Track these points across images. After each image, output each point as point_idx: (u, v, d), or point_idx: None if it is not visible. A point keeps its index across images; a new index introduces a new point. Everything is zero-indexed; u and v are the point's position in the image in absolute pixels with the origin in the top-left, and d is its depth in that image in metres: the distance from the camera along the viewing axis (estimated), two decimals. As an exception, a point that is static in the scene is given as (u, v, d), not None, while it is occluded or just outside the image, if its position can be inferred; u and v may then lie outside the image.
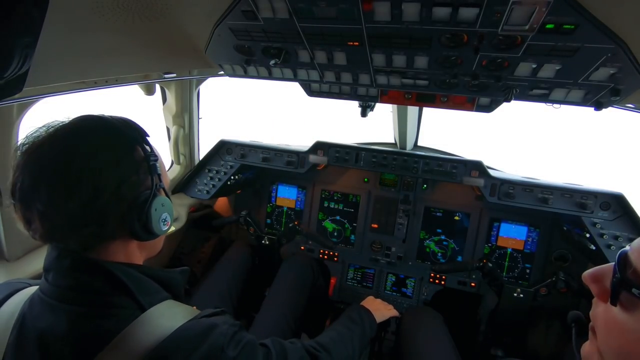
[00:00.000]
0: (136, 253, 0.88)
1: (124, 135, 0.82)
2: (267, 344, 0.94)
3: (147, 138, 0.87)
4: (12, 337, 0.78)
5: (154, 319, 0.76)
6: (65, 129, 0.77)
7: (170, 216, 0.90)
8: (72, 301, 0.76)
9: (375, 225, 2.33)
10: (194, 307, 0.88)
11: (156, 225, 0.83)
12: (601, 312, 0.50)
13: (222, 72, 1.44)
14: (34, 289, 0.85)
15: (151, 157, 0.84)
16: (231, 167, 2.26)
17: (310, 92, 1.53)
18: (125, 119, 0.87)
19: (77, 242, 0.77)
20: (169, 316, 0.78)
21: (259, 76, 1.37)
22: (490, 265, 1.78)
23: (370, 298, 1.84)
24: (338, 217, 2.42)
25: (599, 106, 1.09)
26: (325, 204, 2.43)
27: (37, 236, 0.75)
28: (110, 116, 0.85)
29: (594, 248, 1.71)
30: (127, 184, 0.78)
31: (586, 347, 0.55)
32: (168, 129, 2.30)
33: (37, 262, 1.48)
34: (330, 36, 1.02)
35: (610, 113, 1.23)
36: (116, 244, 0.82)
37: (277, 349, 0.94)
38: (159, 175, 0.86)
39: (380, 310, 1.72)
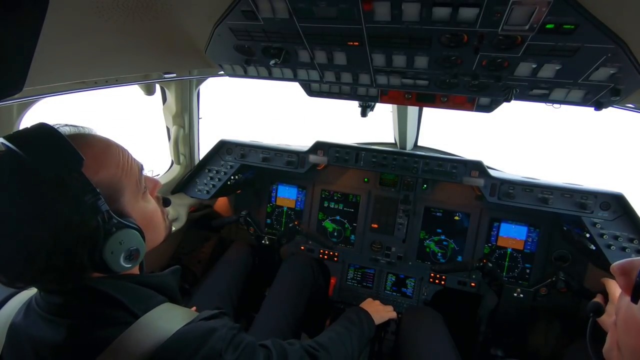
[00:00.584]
0: None
1: (45, 173, 0.64)
2: (267, 344, 0.94)
3: (84, 161, 0.67)
4: (8, 342, 0.78)
5: (151, 322, 0.75)
6: None
7: (140, 248, 0.77)
8: (64, 315, 0.75)
9: (375, 225, 2.33)
10: (194, 308, 0.88)
11: (118, 266, 0.73)
12: (624, 306, 0.48)
13: (222, 72, 1.44)
14: (32, 291, 0.84)
15: (87, 197, 0.67)
16: (231, 167, 2.26)
17: (310, 92, 1.53)
18: (48, 142, 0.67)
19: (44, 287, 0.74)
20: (167, 319, 0.77)
21: (259, 76, 1.37)
22: (490, 265, 1.78)
23: (369, 300, 1.84)
24: (338, 217, 2.42)
25: (599, 106, 1.09)
26: (325, 204, 2.43)
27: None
28: (30, 140, 0.67)
29: (594, 248, 1.71)
30: (68, 230, 0.66)
31: (608, 340, 0.53)
32: (168, 129, 2.30)
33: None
34: (330, 36, 1.02)
35: (610, 113, 1.23)
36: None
37: (277, 349, 0.94)
38: (106, 211, 0.71)
39: (379, 312, 1.73)
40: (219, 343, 0.77)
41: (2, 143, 0.66)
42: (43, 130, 0.70)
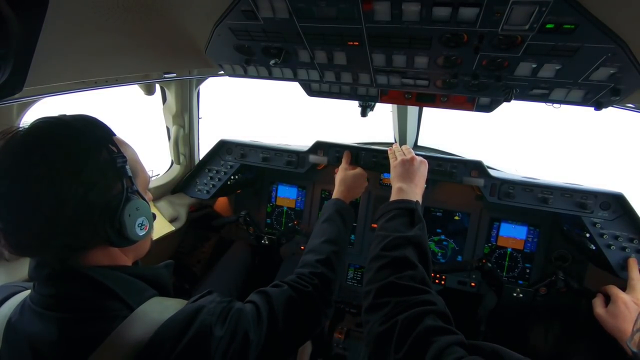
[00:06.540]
0: (121, 256, 0.86)
1: (85, 137, 0.75)
2: (253, 299, 0.93)
3: (114, 137, 0.81)
4: (5, 341, 0.78)
5: (145, 314, 0.76)
6: (17, 138, 0.71)
7: (149, 220, 0.85)
8: (57, 309, 0.75)
9: (375, 225, 2.32)
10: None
11: (132, 231, 0.79)
12: None
13: (222, 72, 1.44)
14: (28, 292, 0.84)
15: (118, 160, 0.78)
16: (231, 167, 2.26)
17: (310, 92, 1.53)
18: (87, 117, 0.80)
19: (50, 254, 0.75)
20: (160, 310, 0.78)
21: (259, 76, 1.37)
22: (489, 265, 1.78)
23: (341, 175, 1.67)
24: (338, 217, 2.42)
25: (599, 106, 1.09)
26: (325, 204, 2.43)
27: (7, 251, 0.72)
28: (71, 116, 0.78)
29: (594, 248, 1.71)
30: (94, 191, 0.73)
31: None
32: (168, 129, 2.30)
33: (37, 262, 1.48)
34: (330, 36, 1.02)
35: (610, 113, 1.23)
36: (96, 250, 0.79)
37: (263, 299, 0.93)
38: (130, 177, 0.80)
39: (354, 188, 1.60)
40: (208, 317, 0.77)
41: (44, 121, 0.75)
42: (78, 114, 0.81)
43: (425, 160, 1.47)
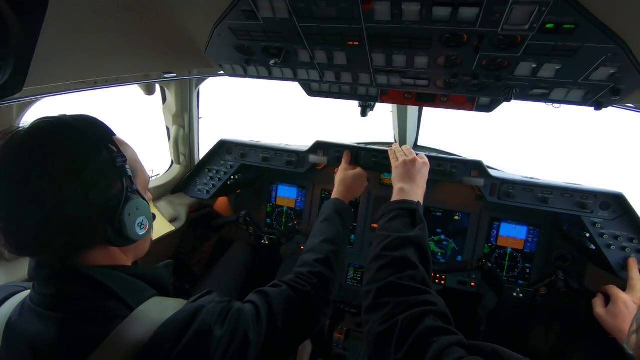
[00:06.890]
0: (121, 255, 0.86)
1: (85, 137, 0.75)
2: (252, 299, 0.93)
3: (114, 137, 0.82)
4: (5, 341, 0.78)
5: (144, 315, 0.76)
6: (17, 138, 0.71)
7: (148, 219, 0.85)
8: (57, 309, 0.75)
9: (375, 225, 2.32)
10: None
11: (132, 230, 0.79)
12: None
13: (222, 72, 1.44)
14: (27, 292, 0.84)
15: (118, 159, 0.78)
16: (231, 166, 2.26)
17: (310, 92, 1.53)
18: (87, 117, 0.81)
19: (50, 254, 0.75)
20: (159, 310, 0.78)
21: (259, 76, 1.37)
22: (489, 265, 1.77)
23: (340, 176, 1.66)
24: (338, 217, 2.41)
25: (599, 106, 1.09)
26: (325, 204, 2.43)
27: (7, 251, 0.72)
28: (71, 116, 0.79)
29: (594, 248, 1.71)
30: (94, 190, 0.73)
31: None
32: (168, 129, 2.30)
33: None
34: (330, 36, 1.02)
35: (610, 113, 1.23)
36: (96, 249, 0.79)
37: (262, 299, 0.93)
38: (130, 177, 0.81)
39: (353, 188, 1.60)
40: (208, 317, 0.77)
41: (44, 121, 0.75)
42: (78, 114, 0.81)
43: (427, 161, 1.47)
